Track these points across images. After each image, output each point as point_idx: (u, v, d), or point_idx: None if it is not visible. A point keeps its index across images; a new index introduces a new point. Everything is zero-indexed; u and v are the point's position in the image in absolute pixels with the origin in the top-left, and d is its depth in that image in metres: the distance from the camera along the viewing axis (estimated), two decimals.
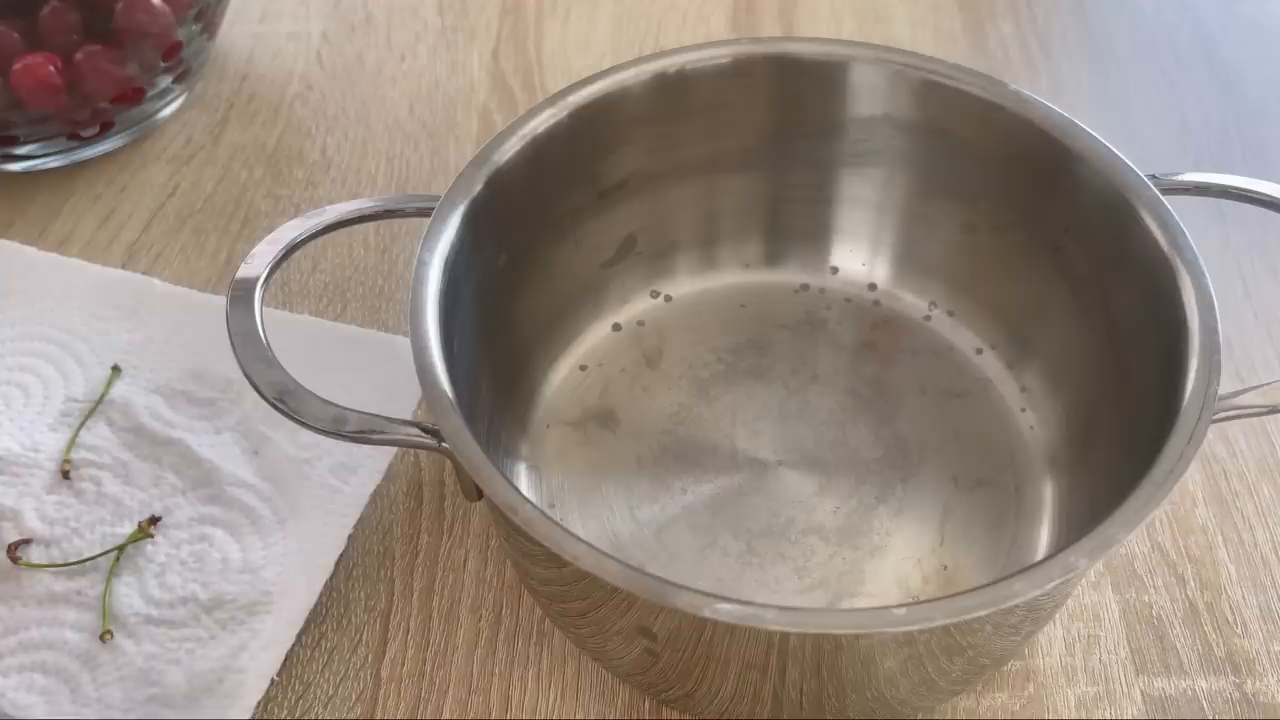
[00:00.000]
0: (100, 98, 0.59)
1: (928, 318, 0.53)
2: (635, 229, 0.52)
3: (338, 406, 0.39)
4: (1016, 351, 0.51)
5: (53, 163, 0.61)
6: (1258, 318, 0.56)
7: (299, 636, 0.45)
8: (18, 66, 0.56)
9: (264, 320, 0.41)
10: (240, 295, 0.41)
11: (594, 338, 0.53)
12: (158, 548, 0.47)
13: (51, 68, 0.56)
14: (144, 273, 0.57)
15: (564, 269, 0.51)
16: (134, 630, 0.45)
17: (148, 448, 0.49)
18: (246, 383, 0.40)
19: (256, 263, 0.42)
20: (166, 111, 0.64)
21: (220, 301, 0.43)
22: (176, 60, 0.62)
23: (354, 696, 0.44)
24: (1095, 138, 0.46)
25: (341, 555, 0.47)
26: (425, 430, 0.39)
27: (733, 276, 0.55)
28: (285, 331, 0.50)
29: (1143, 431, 0.40)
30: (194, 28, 0.62)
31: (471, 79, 0.67)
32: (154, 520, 0.47)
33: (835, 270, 0.54)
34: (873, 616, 0.36)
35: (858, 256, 0.54)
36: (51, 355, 0.53)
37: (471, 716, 0.44)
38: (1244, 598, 0.47)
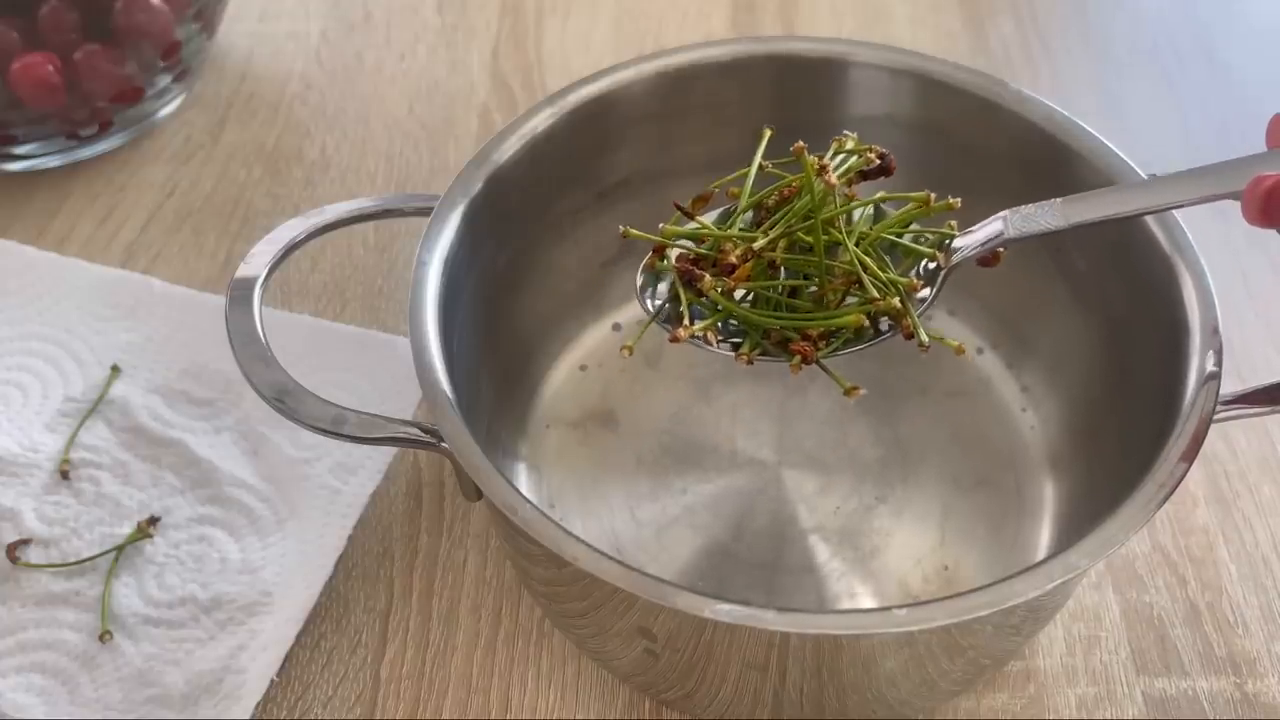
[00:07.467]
0: (99, 97, 0.59)
1: (928, 318, 0.53)
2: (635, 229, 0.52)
3: (337, 406, 0.39)
4: (1016, 351, 0.51)
5: (51, 162, 0.61)
6: (1258, 316, 0.56)
7: (298, 637, 0.45)
8: (16, 66, 0.56)
9: (263, 320, 0.41)
10: (239, 295, 0.41)
11: (594, 338, 0.53)
12: (156, 548, 0.47)
13: (50, 67, 0.56)
14: (143, 272, 0.57)
15: (564, 269, 0.51)
16: (133, 631, 0.45)
17: (146, 448, 0.49)
18: (246, 382, 0.40)
19: (255, 262, 0.42)
20: (165, 111, 0.64)
21: (219, 301, 0.43)
22: (175, 59, 0.61)
23: (353, 697, 0.44)
24: (1096, 137, 0.46)
25: (341, 555, 0.47)
26: (425, 430, 0.39)
27: None
28: (284, 331, 0.50)
29: (1143, 431, 0.40)
30: (193, 27, 0.62)
31: (471, 78, 0.67)
32: (153, 520, 0.47)
33: None
34: (873, 617, 0.35)
35: None
36: (50, 355, 0.53)
37: (471, 717, 0.44)
38: (1245, 598, 0.47)
